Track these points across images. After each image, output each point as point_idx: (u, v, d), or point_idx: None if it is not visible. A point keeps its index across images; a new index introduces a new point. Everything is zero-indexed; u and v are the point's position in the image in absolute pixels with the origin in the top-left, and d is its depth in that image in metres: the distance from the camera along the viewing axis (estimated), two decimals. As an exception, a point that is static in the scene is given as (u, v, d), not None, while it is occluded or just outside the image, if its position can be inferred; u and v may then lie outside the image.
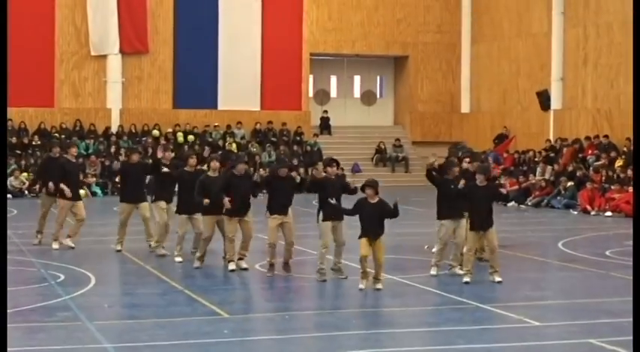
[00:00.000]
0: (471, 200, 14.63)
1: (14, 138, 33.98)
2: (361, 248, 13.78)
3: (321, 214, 14.56)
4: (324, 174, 14.92)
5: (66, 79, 36.04)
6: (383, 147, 38.84)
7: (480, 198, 14.55)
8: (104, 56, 36.23)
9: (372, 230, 13.74)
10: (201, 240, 16.04)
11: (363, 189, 13.97)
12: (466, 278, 14.46)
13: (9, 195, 30.34)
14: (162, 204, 17.25)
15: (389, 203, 13.89)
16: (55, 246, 18.49)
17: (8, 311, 12.07)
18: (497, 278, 14.56)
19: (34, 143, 34.24)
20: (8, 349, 10.48)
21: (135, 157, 18.01)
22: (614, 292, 14.07)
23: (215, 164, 15.96)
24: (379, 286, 13.84)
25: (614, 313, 12.45)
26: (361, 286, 13.91)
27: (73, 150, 19.24)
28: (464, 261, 14.79)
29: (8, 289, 13.21)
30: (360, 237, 13.81)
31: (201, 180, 15.95)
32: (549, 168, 31.22)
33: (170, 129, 36.20)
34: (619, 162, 29.22)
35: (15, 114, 34.74)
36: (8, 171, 31.70)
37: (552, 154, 32.51)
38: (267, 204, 15.09)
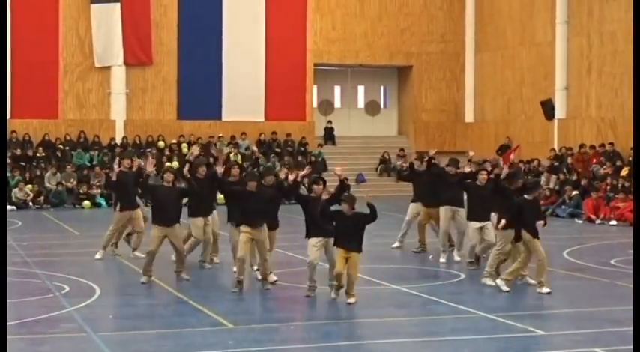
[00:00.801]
0: (522, 214, 14.66)
1: (19, 150, 33.97)
2: (336, 263, 13.70)
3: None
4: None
5: (70, 90, 36.09)
6: (387, 157, 38.82)
7: (533, 211, 14.73)
8: (108, 67, 36.30)
9: (346, 241, 13.58)
10: (146, 254, 15.62)
11: (339, 203, 13.94)
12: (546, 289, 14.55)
13: (14, 207, 30.45)
14: (199, 221, 16.84)
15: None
16: (138, 254, 18.21)
17: (13, 322, 12.11)
18: (504, 286, 14.64)
19: (38, 155, 34.24)
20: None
21: (202, 170, 16.73)
22: (619, 301, 14.07)
23: (169, 176, 15.60)
24: (351, 300, 13.63)
25: (619, 322, 12.46)
26: (333, 295, 13.91)
27: (126, 162, 19.22)
28: (540, 270, 14.70)
29: (13, 301, 13.24)
30: (334, 245, 13.72)
31: (154, 186, 15.76)
32: (554, 177, 31.21)
33: (174, 141, 36.24)
34: (624, 171, 29.18)
35: (19, 126, 34.81)
36: (13, 182, 31.77)
37: (557, 163, 32.50)
38: (239, 217, 14.83)
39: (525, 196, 14.89)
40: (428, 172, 18.82)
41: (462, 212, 17.81)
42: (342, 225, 13.70)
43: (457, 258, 17.90)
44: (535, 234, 14.58)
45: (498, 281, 14.73)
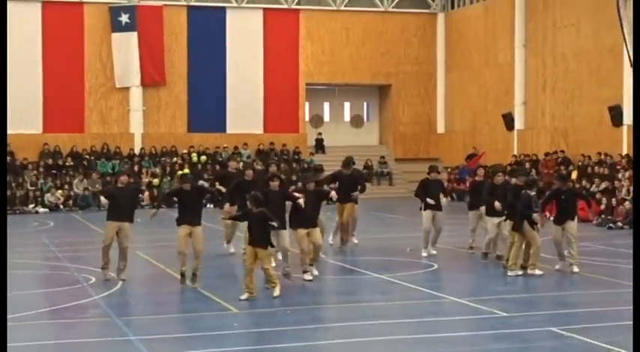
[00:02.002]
0: (530, 207, 15.14)
1: (50, 160, 33.98)
2: (247, 258, 13.22)
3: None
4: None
5: (94, 107, 36.04)
6: (370, 163, 38.86)
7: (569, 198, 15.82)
8: (127, 88, 36.26)
9: (253, 237, 13.08)
10: (102, 247, 14.98)
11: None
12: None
13: (47, 210, 30.48)
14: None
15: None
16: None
17: (47, 309, 12.12)
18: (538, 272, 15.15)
19: (67, 164, 34.24)
20: (48, 342, 10.51)
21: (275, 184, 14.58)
22: (572, 286, 14.18)
23: (124, 178, 15.22)
24: (275, 293, 12.97)
25: (572, 304, 12.59)
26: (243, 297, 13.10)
27: (234, 164, 18.77)
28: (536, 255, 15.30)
29: (47, 290, 13.24)
30: (248, 244, 13.24)
31: (110, 188, 15.62)
32: (514, 180, 31.15)
33: (185, 151, 36.25)
34: (574, 174, 29.29)
35: (50, 139, 34.77)
36: (45, 188, 31.80)
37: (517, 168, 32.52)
38: (177, 217, 14.40)
39: (528, 191, 15.26)
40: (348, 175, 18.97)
41: (440, 214, 17.81)
42: (250, 224, 13.21)
43: (433, 252, 17.90)
44: (533, 225, 15.10)
45: (529, 270, 15.15)
